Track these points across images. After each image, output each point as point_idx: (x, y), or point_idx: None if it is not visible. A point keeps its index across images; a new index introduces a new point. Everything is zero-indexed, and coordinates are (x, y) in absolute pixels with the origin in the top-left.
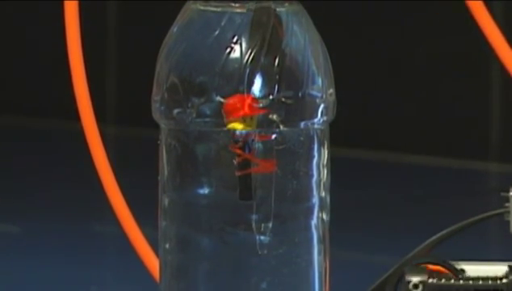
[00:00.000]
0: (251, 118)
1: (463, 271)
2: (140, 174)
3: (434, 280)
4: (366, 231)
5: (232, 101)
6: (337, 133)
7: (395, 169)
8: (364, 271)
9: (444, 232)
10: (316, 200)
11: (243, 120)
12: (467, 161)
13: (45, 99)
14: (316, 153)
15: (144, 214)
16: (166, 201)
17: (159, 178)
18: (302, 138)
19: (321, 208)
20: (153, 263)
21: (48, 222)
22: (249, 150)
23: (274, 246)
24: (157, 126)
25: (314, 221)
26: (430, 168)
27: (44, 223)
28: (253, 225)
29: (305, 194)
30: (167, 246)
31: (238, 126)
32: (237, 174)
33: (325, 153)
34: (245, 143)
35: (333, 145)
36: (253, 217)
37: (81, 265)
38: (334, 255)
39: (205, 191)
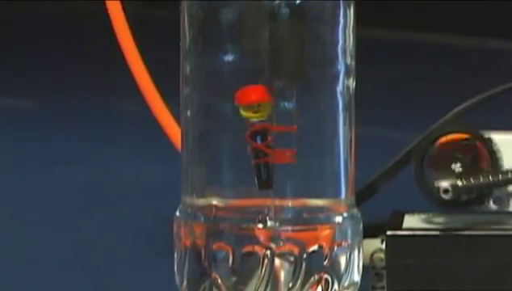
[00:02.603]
0: (264, 106)
1: (490, 140)
2: (164, 49)
3: (464, 182)
4: (391, 108)
5: (245, 89)
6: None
7: (424, 48)
8: (388, 146)
9: (472, 101)
10: (341, 66)
11: (256, 108)
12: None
13: None
14: (341, 19)
15: (168, 89)
16: (188, 68)
17: (181, 44)
18: (327, 3)
19: (347, 75)
20: (174, 131)
21: (66, 97)
22: (262, 140)
23: (299, 113)
24: None
25: (339, 88)
26: (458, 48)
27: (62, 98)
28: (278, 90)
29: (330, 60)
30: (189, 113)
31: (250, 115)
32: (253, 163)
33: (351, 19)
34: (256, 133)
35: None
36: (279, 82)
37: (99, 139)
38: (359, 132)
39: (229, 57)
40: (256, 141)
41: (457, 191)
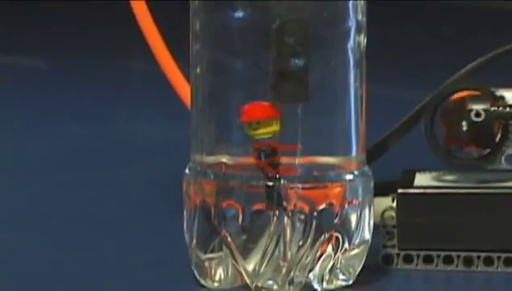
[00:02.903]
0: (265, 124)
1: (502, 98)
2: (174, 6)
3: (497, 108)
4: (400, 68)
5: (247, 105)
6: None
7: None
8: (399, 104)
9: (483, 58)
10: (352, 22)
11: (255, 125)
12: None
13: None
14: None
15: (178, 47)
16: (198, 25)
17: (190, 0)
18: None
19: (358, 31)
20: (184, 89)
21: (75, 56)
22: (266, 157)
23: (309, 70)
24: None
25: (350, 44)
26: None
27: (71, 57)
28: (288, 47)
29: (342, 16)
30: (198, 70)
31: (251, 133)
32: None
33: None
34: (260, 150)
35: None
36: (289, 39)
37: (108, 100)
38: (370, 90)
39: (238, 14)
40: (260, 158)
41: (489, 116)
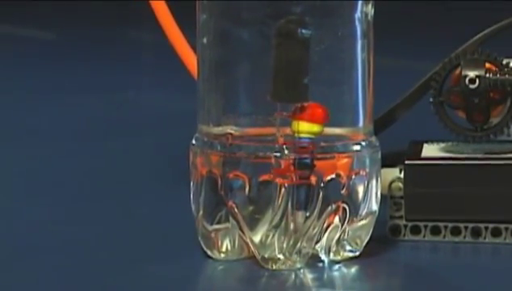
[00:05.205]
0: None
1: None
2: None
3: (491, 75)
4: (408, 39)
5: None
6: None
7: None
8: (406, 76)
9: (492, 28)
10: None
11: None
12: None
13: None
14: None
15: (185, 18)
16: None
17: None
18: None
19: (365, 2)
20: (190, 59)
21: (86, 29)
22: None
23: (317, 41)
24: None
25: (358, 15)
26: None
27: (81, 30)
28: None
29: None
30: (205, 40)
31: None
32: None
33: None
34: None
35: None
36: (297, 9)
37: (119, 70)
38: (379, 61)
39: None
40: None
41: (483, 82)
